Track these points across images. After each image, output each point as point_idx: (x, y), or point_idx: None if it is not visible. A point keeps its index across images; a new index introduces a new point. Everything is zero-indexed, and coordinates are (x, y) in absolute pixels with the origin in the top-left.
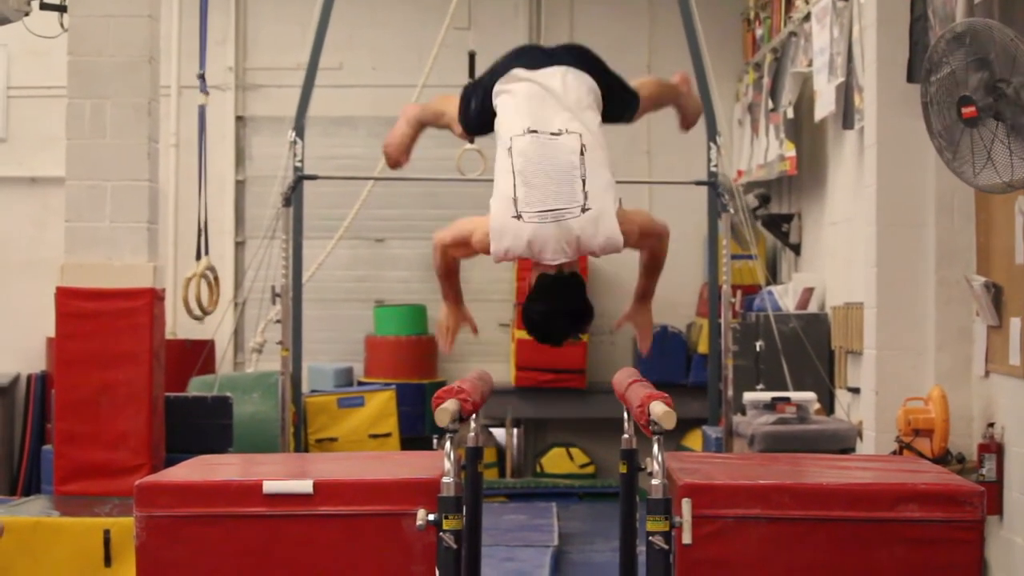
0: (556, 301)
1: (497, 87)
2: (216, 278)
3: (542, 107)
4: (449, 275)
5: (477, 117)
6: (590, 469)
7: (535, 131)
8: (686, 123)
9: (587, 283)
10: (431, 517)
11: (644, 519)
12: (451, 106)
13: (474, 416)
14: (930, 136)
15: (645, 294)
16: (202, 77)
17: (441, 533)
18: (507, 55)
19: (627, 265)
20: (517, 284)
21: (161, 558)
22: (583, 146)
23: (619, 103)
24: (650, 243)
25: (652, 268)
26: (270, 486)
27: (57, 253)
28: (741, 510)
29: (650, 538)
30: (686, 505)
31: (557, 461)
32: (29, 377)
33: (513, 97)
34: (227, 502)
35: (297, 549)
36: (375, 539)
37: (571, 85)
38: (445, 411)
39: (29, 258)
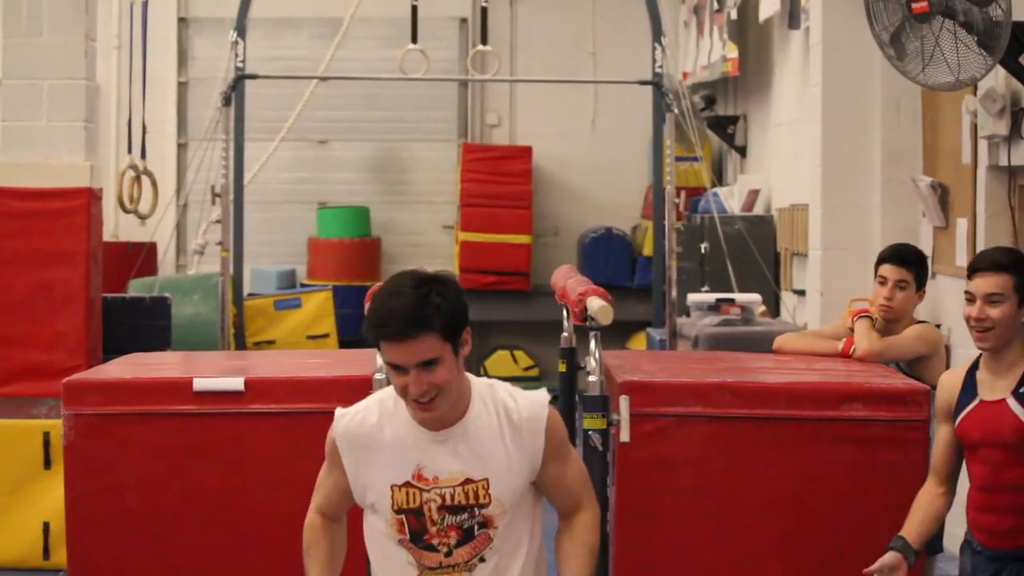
0: None
1: None
2: (139, 176)
3: None
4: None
5: None
6: (534, 372)
7: None
8: None
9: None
10: None
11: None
12: None
13: None
14: (873, 34)
15: None
16: None
17: None
18: None
19: (572, 168)
20: (461, 186)
21: (90, 457)
22: None
23: None
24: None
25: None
26: (200, 383)
27: None
28: (682, 408)
29: (587, 435)
30: (624, 402)
31: (501, 363)
32: None
33: None
34: (157, 400)
35: (228, 448)
36: (307, 438)
37: None
38: None
39: None
